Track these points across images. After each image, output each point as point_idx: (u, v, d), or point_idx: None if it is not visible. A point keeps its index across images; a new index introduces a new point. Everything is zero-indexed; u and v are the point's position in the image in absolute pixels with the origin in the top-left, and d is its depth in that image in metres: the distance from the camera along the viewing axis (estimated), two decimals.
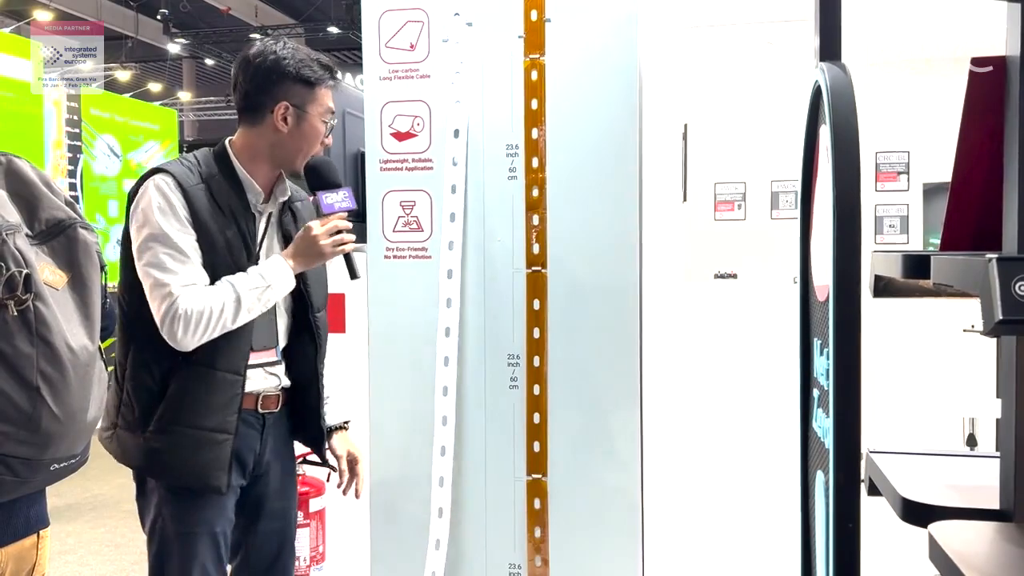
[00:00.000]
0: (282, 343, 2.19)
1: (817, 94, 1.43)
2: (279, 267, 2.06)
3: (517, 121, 2.56)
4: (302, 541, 2.82)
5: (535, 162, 2.56)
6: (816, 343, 1.47)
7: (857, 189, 1.18)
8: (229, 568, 2.23)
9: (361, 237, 2.61)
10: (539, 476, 2.61)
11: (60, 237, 1.62)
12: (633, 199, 2.53)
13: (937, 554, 1.13)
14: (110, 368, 1.79)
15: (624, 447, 2.55)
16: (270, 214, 2.18)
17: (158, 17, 16.45)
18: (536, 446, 2.60)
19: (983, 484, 1.42)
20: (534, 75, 2.55)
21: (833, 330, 1.20)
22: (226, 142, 2.14)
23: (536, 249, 2.57)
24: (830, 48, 1.41)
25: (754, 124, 4.90)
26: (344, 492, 2.35)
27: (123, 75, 17.15)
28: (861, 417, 1.20)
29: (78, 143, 10.72)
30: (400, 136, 2.65)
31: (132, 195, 2.04)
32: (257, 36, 16.90)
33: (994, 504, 1.31)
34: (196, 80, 21.15)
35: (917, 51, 4.87)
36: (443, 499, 2.55)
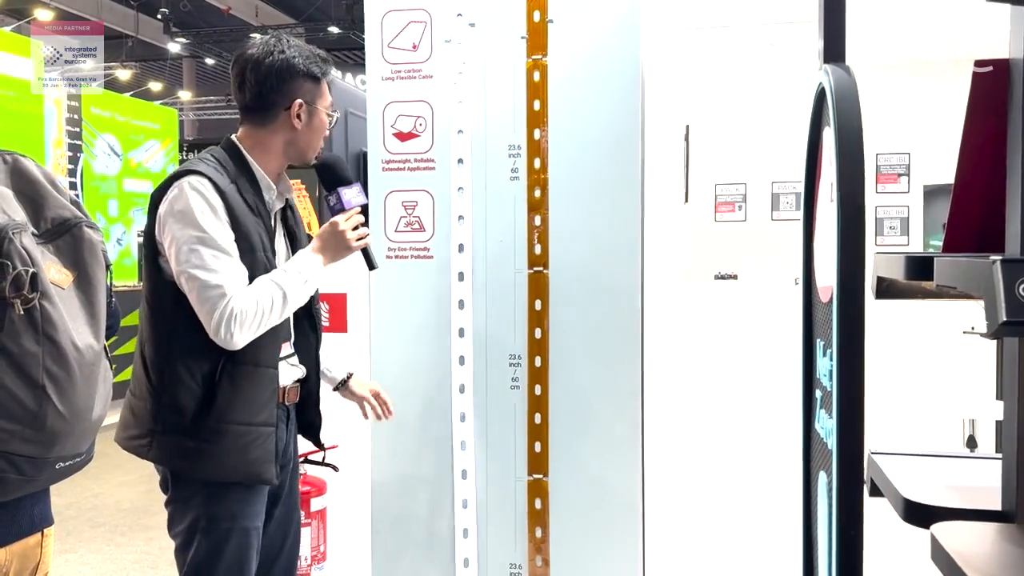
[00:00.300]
0: (293, 336, 2.23)
1: (821, 96, 1.43)
2: (312, 262, 2.09)
3: (519, 122, 2.57)
4: (303, 541, 2.82)
5: (537, 163, 2.56)
6: (819, 344, 1.47)
7: (861, 191, 1.18)
8: None
9: None
10: (540, 476, 2.61)
11: (66, 236, 1.63)
12: (635, 200, 2.53)
13: (939, 555, 1.13)
14: (115, 365, 1.79)
15: (625, 448, 2.56)
16: (277, 211, 2.20)
17: (158, 16, 16.45)
18: (537, 446, 2.60)
19: (984, 485, 1.42)
20: (536, 76, 2.55)
21: (837, 331, 1.21)
22: (234, 140, 2.14)
23: (538, 250, 2.57)
24: (834, 50, 1.42)
25: (755, 125, 4.91)
26: (380, 418, 2.40)
27: (123, 74, 17.14)
28: (864, 418, 1.21)
29: (78, 142, 10.72)
30: (402, 136, 2.66)
31: (159, 196, 2.02)
32: (258, 35, 16.91)
33: (996, 505, 1.31)
34: (196, 79, 21.15)
35: (917, 53, 4.88)
36: (467, 491, 2.60)
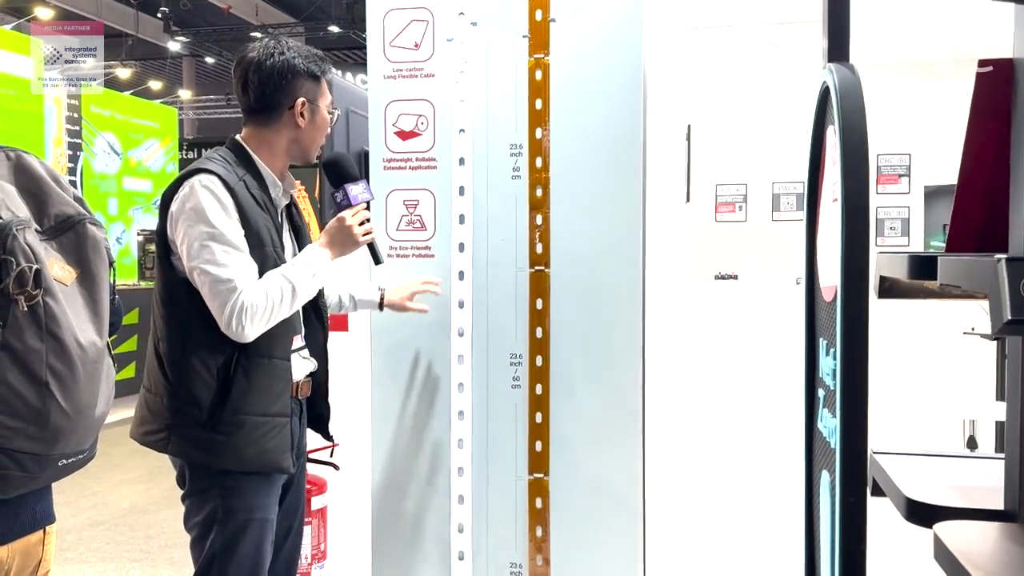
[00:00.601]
0: (303, 329, 2.28)
1: (825, 95, 1.43)
2: (320, 256, 2.14)
3: (521, 121, 2.57)
4: (304, 539, 2.82)
5: (539, 162, 2.56)
6: (822, 343, 1.47)
7: (866, 189, 1.18)
8: None
9: None
10: (541, 475, 2.61)
11: (69, 233, 1.63)
12: (636, 199, 2.53)
13: (942, 554, 1.13)
14: (116, 364, 1.79)
15: (626, 447, 2.56)
16: (283, 207, 2.25)
17: (158, 15, 16.44)
18: (538, 445, 2.60)
19: (986, 485, 1.42)
20: (538, 75, 2.55)
21: (841, 330, 1.21)
22: (240, 140, 2.19)
23: (539, 249, 2.57)
24: (839, 49, 1.42)
25: (755, 125, 4.91)
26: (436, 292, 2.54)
27: (123, 73, 17.13)
28: (868, 417, 1.21)
29: (78, 140, 10.72)
30: (404, 135, 2.66)
31: (170, 195, 2.07)
32: (258, 34, 16.90)
33: (998, 505, 1.31)
34: (196, 78, 21.14)
35: (918, 53, 4.88)
36: (463, 488, 2.61)
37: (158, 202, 2.17)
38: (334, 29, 16.42)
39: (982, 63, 1.31)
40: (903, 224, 5.12)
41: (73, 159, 10.57)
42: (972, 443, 3.57)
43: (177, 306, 2.08)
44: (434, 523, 2.66)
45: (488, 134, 2.59)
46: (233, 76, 2.20)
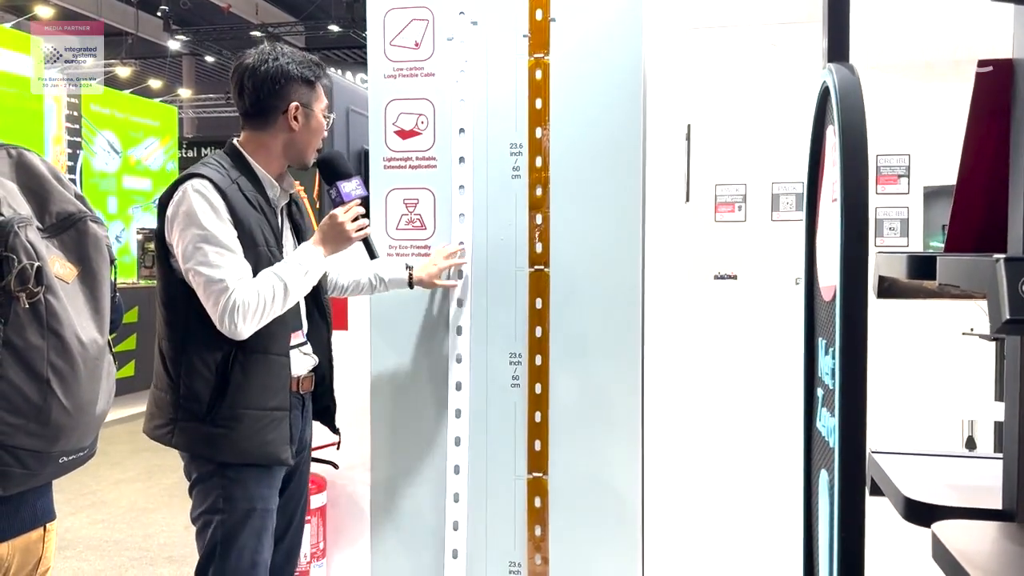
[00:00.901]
0: (305, 326, 2.33)
1: (825, 95, 1.44)
2: (313, 254, 2.20)
3: (521, 120, 2.57)
4: (303, 537, 2.82)
5: (539, 161, 2.57)
6: (821, 343, 1.48)
7: (865, 189, 1.18)
8: None
9: None
10: (540, 474, 2.61)
11: (70, 231, 1.63)
12: (636, 199, 2.54)
13: (941, 553, 1.13)
14: (117, 362, 1.79)
15: (625, 446, 2.56)
16: (283, 207, 2.31)
17: (158, 14, 16.43)
18: (537, 444, 2.60)
19: (985, 484, 1.42)
20: (539, 74, 2.56)
21: (840, 330, 1.21)
22: (236, 144, 2.25)
23: (539, 248, 2.58)
24: (838, 49, 1.42)
25: (755, 126, 4.90)
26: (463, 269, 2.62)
27: (123, 71, 17.13)
28: (866, 416, 1.21)
29: (78, 139, 10.72)
30: (404, 134, 2.66)
31: (166, 199, 2.14)
32: (258, 33, 16.90)
33: (996, 504, 1.31)
34: (196, 77, 21.13)
35: (917, 54, 4.87)
36: (460, 486, 2.62)
37: (156, 203, 2.23)
38: (334, 28, 16.42)
39: (982, 63, 1.31)
40: (902, 224, 5.11)
41: (73, 157, 10.57)
42: (971, 443, 3.57)
43: (176, 306, 2.15)
44: (433, 521, 2.67)
45: (488, 133, 2.59)
46: (231, 82, 2.27)
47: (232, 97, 2.28)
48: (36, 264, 1.51)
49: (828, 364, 1.37)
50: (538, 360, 2.59)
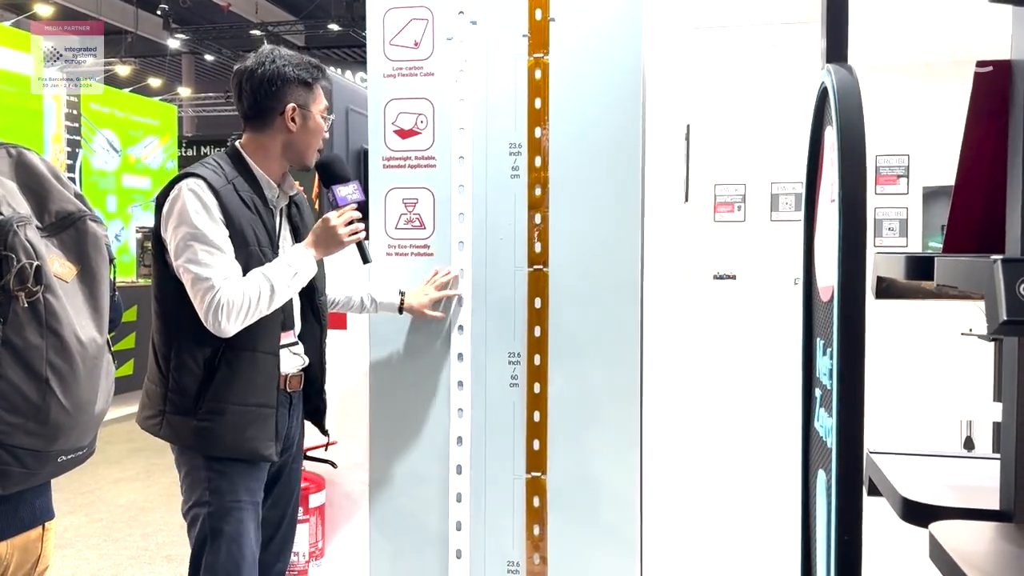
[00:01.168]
0: (298, 326, 2.36)
1: (823, 95, 1.44)
2: (303, 256, 2.23)
3: (520, 120, 2.57)
4: (301, 537, 2.83)
5: (538, 161, 2.56)
6: (819, 343, 1.48)
7: (863, 189, 1.18)
8: None
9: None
10: (538, 474, 2.61)
11: (70, 230, 1.64)
12: (636, 199, 2.54)
13: (938, 553, 1.13)
14: (116, 360, 1.79)
15: (624, 446, 2.56)
16: (282, 208, 2.33)
17: (158, 12, 16.40)
18: (536, 444, 2.61)
19: (982, 485, 1.42)
20: (538, 74, 2.56)
21: (838, 330, 1.21)
22: (237, 145, 2.28)
23: (538, 248, 2.58)
24: (837, 50, 1.42)
25: (755, 126, 4.90)
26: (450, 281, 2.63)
27: (123, 70, 17.11)
28: (864, 417, 1.21)
29: (77, 137, 10.72)
30: (403, 133, 2.66)
31: (162, 198, 2.18)
32: (258, 32, 16.89)
33: (994, 505, 1.32)
34: (196, 76, 21.12)
35: (917, 54, 4.87)
36: (462, 485, 2.63)
37: (154, 201, 2.27)
38: (334, 27, 16.40)
39: (981, 63, 1.31)
40: (901, 225, 5.11)
41: (72, 156, 10.57)
42: (969, 444, 3.57)
43: (169, 301, 2.19)
44: (432, 521, 2.67)
45: (487, 133, 2.59)
46: (231, 85, 2.30)
47: (233, 100, 2.31)
48: (35, 263, 1.51)
49: (826, 364, 1.37)
50: (537, 360, 2.59)
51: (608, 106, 2.53)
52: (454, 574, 2.63)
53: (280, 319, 2.24)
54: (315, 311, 2.40)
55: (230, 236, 2.14)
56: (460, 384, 2.62)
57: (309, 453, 2.80)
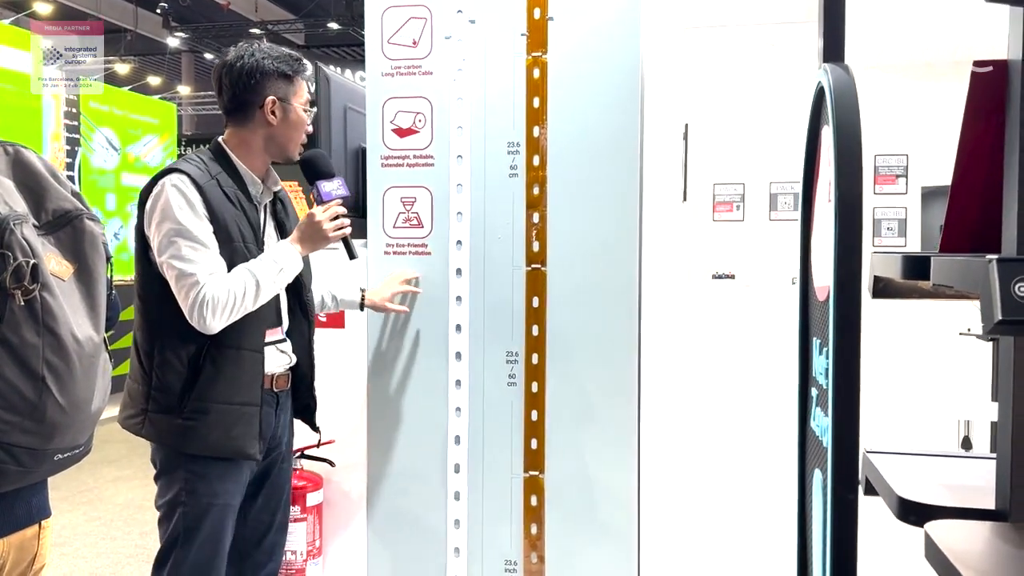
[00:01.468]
0: (285, 323, 2.34)
1: (820, 95, 1.44)
2: (289, 251, 2.22)
3: (519, 119, 2.57)
4: (299, 535, 2.82)
5: (536, 160, 2.57)
6: (815, 343, 1.48)
7: (859, 190, 1.18)
8: None
9: (360, 232, 2.62)
10: (536, 473, 2.62)
11: (67, 228, 1.64)
12: (634, 198, 2.54)
13: (933, 553, 1.13)
14: (113, 359, 1.79)
15: (621, 445, 2.56)
16: (266, 204, 2.32)
17: (158, 11, 16.40)
18: (534, 443, 2.61)
19: (979, 484, 1.42)
20: (536, 73, 2.56)
21: (833, 330, 1.21)
22: (220, 141, 2.28)
23: (536, 247, 2.58)
24: (834, 49, 1.42)
25: (754, 125, 4.90)
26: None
27: (122, 68, 17.11)
28: (860, 416, 1.21)
29: (76, 136, 10.71)
30: (401, 132, 2.66)
31: (146, 193, 2.16)
32: (257, 31, 16.88)
33: (990, 504, 1.31)
34: (195, 74, 21.11)
35: (917, 54, 4.87)
36: (459, 484, 2.63)
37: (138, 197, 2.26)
38: (333, 26, 16.40)
39: (979, 63, 1.31)
40: (900, 224, 5.11)
41: (71, 154, 10.56)
42: (967, 443, 3.57)
43: (152, 299, 2.18)
44: (430, 519, 2.67)
45: (486, 132, 2.59)
46: (212, 80, 2.30)
47: (215, 95, 2.31)
48: (32, 261, 1.51)
49: (822, 364, 1.37)
50: (535, 359, 2.59)
51: (606, 105, 2.53)
52: (452, 572, 2.63)
53: (263, 316, 2.22)
54: (302, 307, 2.38)
55: (214, 232, 2.12)
56: (458, 383, 2.62)
57: (307, 452, 2.80)
